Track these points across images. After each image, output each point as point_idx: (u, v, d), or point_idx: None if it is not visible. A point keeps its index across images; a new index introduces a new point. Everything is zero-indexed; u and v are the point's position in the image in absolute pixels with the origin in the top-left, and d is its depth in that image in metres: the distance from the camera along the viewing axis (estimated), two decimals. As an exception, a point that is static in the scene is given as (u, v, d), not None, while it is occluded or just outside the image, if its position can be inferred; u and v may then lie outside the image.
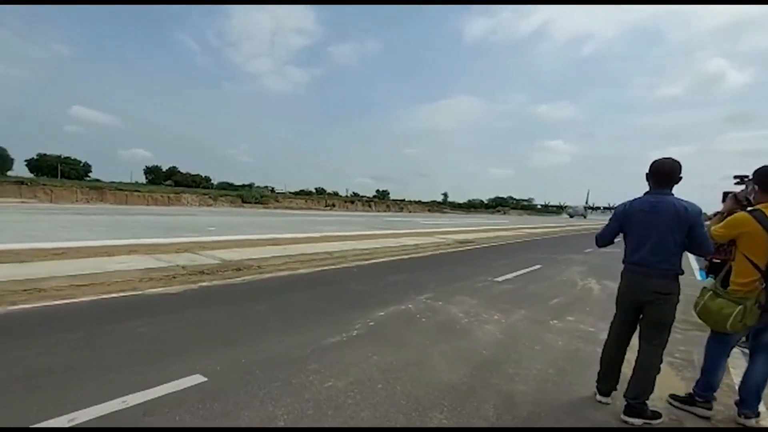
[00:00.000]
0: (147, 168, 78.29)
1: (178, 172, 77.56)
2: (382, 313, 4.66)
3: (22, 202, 27.86)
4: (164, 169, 78.19)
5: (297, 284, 6.21)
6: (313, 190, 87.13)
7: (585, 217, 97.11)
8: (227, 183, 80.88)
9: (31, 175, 55.54)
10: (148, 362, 2.97)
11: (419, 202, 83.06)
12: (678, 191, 2.56)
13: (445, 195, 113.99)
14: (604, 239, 2.87)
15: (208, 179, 80.00)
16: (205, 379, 2.72)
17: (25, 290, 4.71)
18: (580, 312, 5.34)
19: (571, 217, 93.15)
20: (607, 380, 2.79)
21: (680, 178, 2.55)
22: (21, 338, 3.35)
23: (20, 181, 34.41)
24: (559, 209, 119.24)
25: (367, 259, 9.09)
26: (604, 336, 4.16)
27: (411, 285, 6.38)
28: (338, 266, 7.99)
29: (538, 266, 9.51)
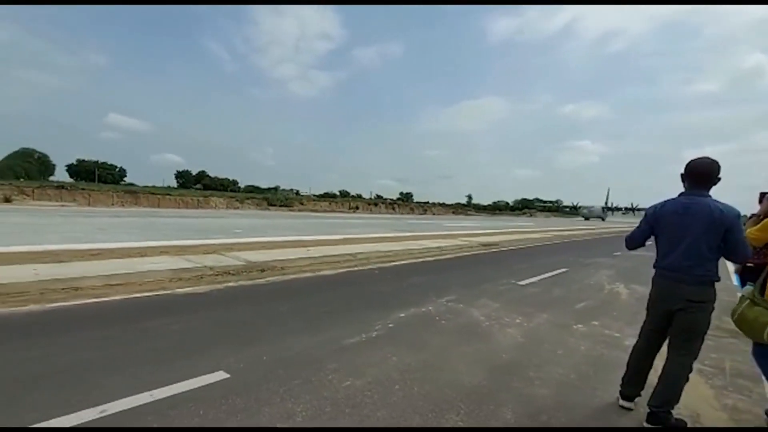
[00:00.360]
0: (178, 172, 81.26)
1: (207, 175, 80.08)
2: (402, 315, 4.67)
3: (62, 205, 29.36)
4: (194, 173, 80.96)
5: (319, 285, 6.30)
6: (337, 193, 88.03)
7: (603, 219, 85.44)
8: (253, 186, 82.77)
9: (71, 180, 58.54)
10: (175, 358, 3.09)
11: (443, 204, 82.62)
12: (717, 192, 2.38)
13: (470, 197, 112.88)
14: (633, 242, 2.78)
15: (235, 182, 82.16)
16: (228, 375, 2.81)
17: (63, 289, 4.98)
18: (605, 317, 5.18)
19: (586, 219, 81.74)
20: (631, 385, 2.69)
21: (718, 179, 2.40)
22: (59, 334, 3.55)
23: (61, 186, 36.33)
24: (573, 210, 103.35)
25: (389, 262, 9.11)
26: (630, 342, 4.06)
27: (432, 287, 6.36)
28: (360, 268, 8.05)
29: (563, 270, 9.28)
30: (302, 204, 51.80)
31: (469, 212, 79.87)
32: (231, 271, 6.66)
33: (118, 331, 3.67)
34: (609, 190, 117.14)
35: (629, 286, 7.47)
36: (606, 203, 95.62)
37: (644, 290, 7.11)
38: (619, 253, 13.51)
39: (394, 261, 9.27)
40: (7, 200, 27.58)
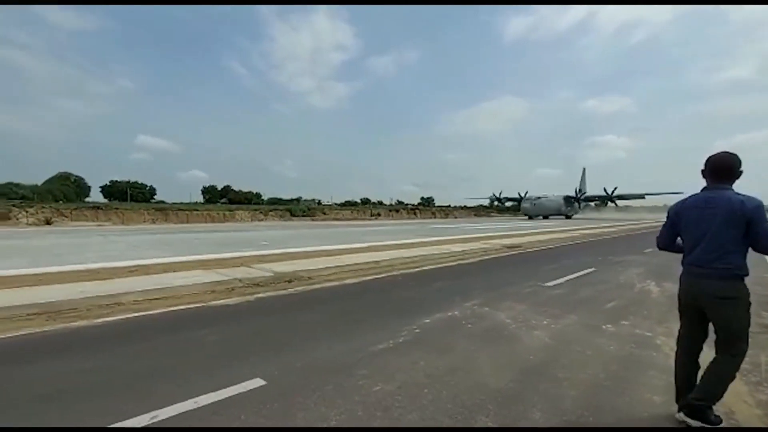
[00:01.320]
0: (204, 188, 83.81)
1: (232, 190, 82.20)
2: (428, 320, 4.75)
3: (99, 225, 30.77)
4: (219, 188, 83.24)
5: (345, 294, 6.45)
6: (359, 201, 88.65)
7: (569, 216, 58.70)
8: (276, 198, 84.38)
9: (105, 200, 61.23)
10: (215, 367, 3.27)
11: (465, 207, 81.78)
12: (751, 182, 2.12)
13: (492, 198, 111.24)
14: (662, 241, 2.78)
15: (258, 195, 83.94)
16: (265, 382, 2.97)
17: (107, 305, 5.30)
18: (636, 316, 5.10)
19: (530, 217, 55.01)
20: (683, 397, 2.54)
21: (740, 172, 2.41)
22: (108, 347, 3.81)
23: (96, 206, 38.04)
24: (515, 203, 64.88)
25: (412, 268, 9.18)
26: (660, 341, 4.03)
27: (457, 292, 6.40)
28: (385, 275, 8.16)
29: (591, 269, 9.12)
30: (324, 213, 52.43)
31: (491, 214, 78.66)
32: (260, 283, 6.89)
33: (161, 343, 3.91)
34: (584, 170, 69.71)
35: (661, 284, 7.29)
36: (578, 191, 61.67)
37: (676, 288, 6.92)
38: (650, 250, 13.12)
39: (417, 267, 9.33)
40: (48, 222, 29.13)
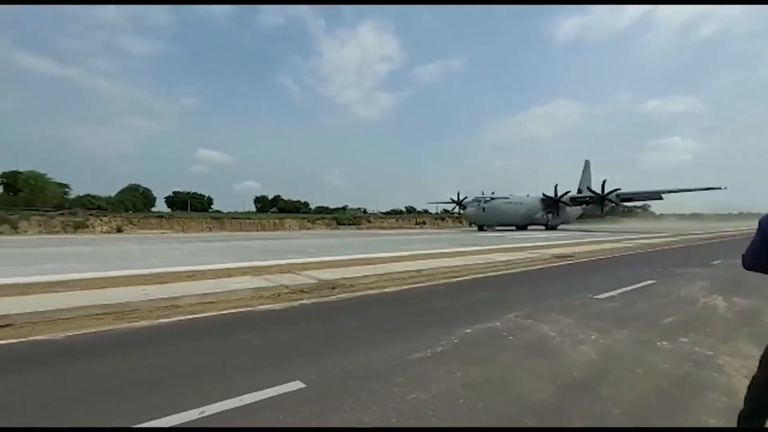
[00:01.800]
0: (256, 198, 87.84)
1: (282, 199, 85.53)
2: (468, 331, 4.68)
3: (162, 233, 33.24)
4: (270, 198, 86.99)
5: (386, 301, 6.51)
6: (404, 209, 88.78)
7: (548, 225, 42.96)
8: (323, 207, 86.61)
9: (168, 210, 65.98)
10: (259, 368, 3.45)
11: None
12: None
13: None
14: (752, 260, 2.22)
15: (306, 204, 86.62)
16: (304, 385, 3.09)
17: (166, 307, 5.73)
18: (697, 333, 4.72)
19: (481, 228, 39.18)
20: (755, 418, 2.28)
21: None
22: (166, 346, 4.14)
23: (161, 216, 41.17)
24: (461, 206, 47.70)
25: (454, 277, 9.08)
26: (723, 361, 3.71)
27: (499, 302, 6.25)
28: (426, 284, 8.14)
29: (650, 282, 8.52)
30: (369, 222, 53.07)
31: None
32: (305, 289, 7.13)
33: (211, 344, 4.18)
34: (587, 163, 53.41)
35: (729, 299, 6.67)
36: (555, 195, 41.54)
37: (747, 303, 6.32)
38: (718, 262, 12.04)
39: (460, 276, 9.21)
40: (119, 230, 31.98)
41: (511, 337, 4.46)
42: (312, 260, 11.07)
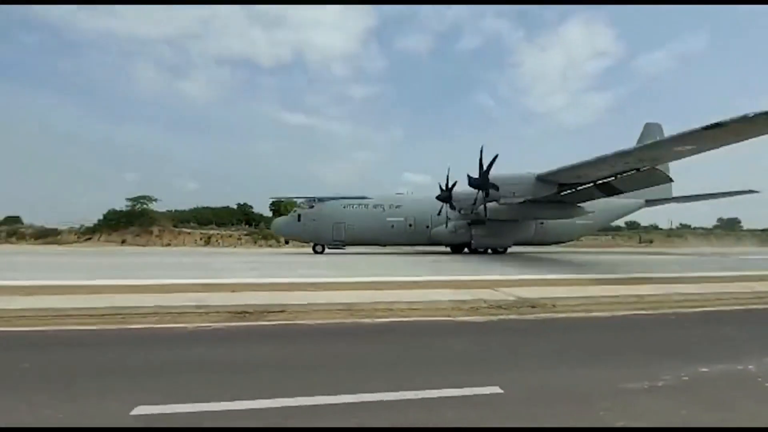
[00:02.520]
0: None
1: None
2: (704, 369, 3.87)
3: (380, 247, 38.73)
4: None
5: (595, 326, 5.96)
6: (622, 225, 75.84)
7: (461, 245, 23.79)
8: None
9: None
10: (459, 370, 3.82)
11: None
12: None
13: None
14: None
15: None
16: (502, 391, 3.25)
17: (383, 309, 6.80)
18: None
19: (318, 250, 23.53)
20: None
21: None
22: (382, 340, 5.00)
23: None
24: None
25: (691, 307, 7.41)
26: None
27: (757, 339, 4.84)
28: (651, 311, 6.96)
29: None
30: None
31: None
32: (503, 306, 7.19)
33: (416, 342, 4.83)
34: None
35: None
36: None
37: None
38: None
39: (703, 306, 7.45)
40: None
41: (767, 384, 3.46)
42: (511, 278, 10.93)
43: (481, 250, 23.08)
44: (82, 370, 3.81)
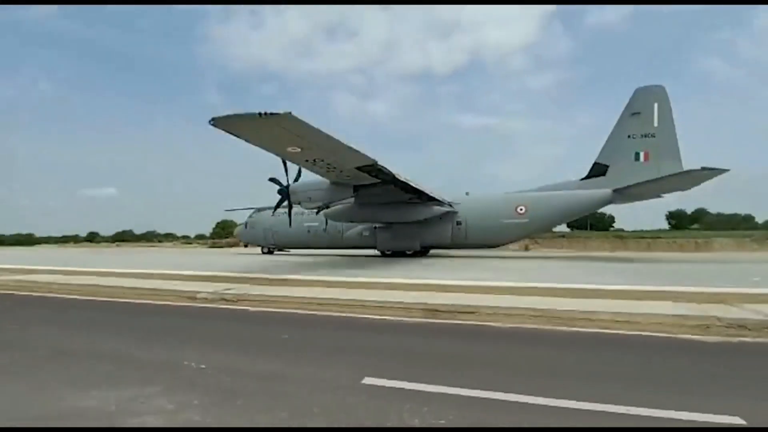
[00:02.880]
0: (669, 213, 75.32)
1: (708, 213, 69.03)
2: None
3: (562, 249, 35.31)
4: (689, 212, 72.33)
5: None
6: None
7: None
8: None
9: (568, 230, 68.69)
10: (689, 392, 3.42)
11: None
12: None
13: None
14: None
15: (749, 218, 65.33)
16: (744, 422, 2.80)
17: (581, 318, 6.42)
18: None
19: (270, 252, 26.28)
20: None
21: None
22: (581, 350, 4.81)
23: (561, 235, 43.83)
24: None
25: None
26: None
27: None
28: None
29: None
30: None
31: None
32: (747, 326, 5.81)
33: (628, 358, 4.48)
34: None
35: None
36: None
37: None
38: None
39: None
40: (527, 248, 36.82)
41: None
42: (759, 291, 8.57)
43: (389, 252, 22.72)
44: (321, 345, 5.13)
